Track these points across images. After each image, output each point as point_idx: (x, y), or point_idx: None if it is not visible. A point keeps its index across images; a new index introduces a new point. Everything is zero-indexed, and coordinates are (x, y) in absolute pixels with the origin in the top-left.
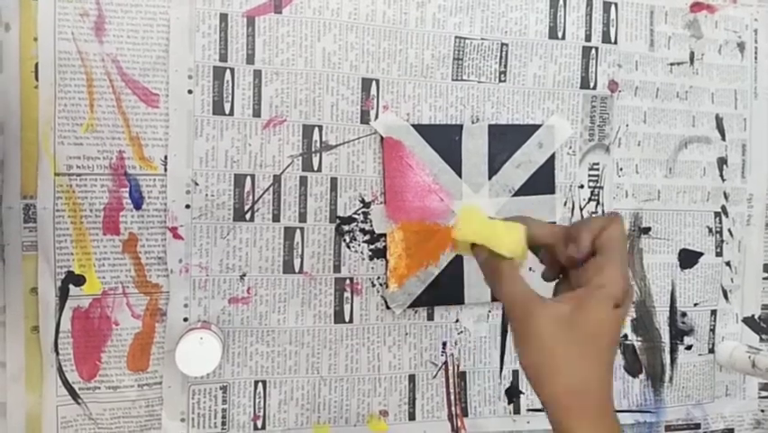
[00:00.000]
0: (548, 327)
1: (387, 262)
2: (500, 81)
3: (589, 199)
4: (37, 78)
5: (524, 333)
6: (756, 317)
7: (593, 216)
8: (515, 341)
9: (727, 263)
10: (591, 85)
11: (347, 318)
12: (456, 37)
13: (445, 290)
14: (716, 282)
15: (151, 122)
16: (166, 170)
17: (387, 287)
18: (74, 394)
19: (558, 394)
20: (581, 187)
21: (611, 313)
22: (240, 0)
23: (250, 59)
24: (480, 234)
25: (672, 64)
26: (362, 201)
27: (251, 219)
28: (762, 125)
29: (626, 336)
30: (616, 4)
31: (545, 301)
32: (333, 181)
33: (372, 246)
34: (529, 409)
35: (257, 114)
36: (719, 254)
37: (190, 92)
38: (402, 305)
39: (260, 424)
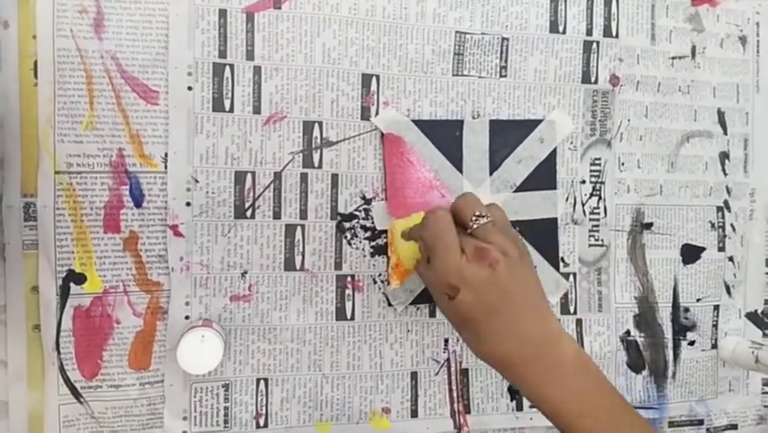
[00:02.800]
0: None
1: (388, 258)
2: (501, 76)
3: (591, 195)
4: (36, 76)
5: None
6: (759, 312)
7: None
8: None
9: (730, 258)
10: (593, 79)
11: (349, 316)
12: (456, 32)
13: None
14: (718, 278)
15: (151, 119)
16: (166, 167)
17: (388, 284)
18: (76, 393)
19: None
20: (583, 182)
21: (449, 306)
22: None
23: (249, 55)
24: (397, 253)
25: (673, 58)
26: (363, 198)
27: (252, 216)
28: (764, 119)
29: (628, 333)
30: None
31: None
32: (334, 178)
33: (374, 243)
34: (532, 406)
35: (257, 110)
36: (722, 249)
37: (190, 89)
38: (404, 302)
39: (262, 422)
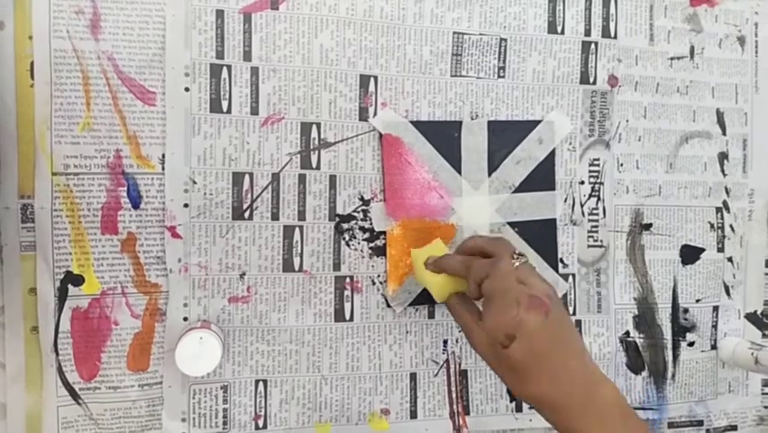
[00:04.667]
0: (482, 349)
1: (387, 259)
2: (499, 77)
3: (590, 195)
4: (33, 77)
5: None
6: (759, 312)
7: (476, 260)
8: None
9: (729, 259)
10: (591, 80)
11: (347, 317)
12: (455, 32)
13: None
14: (718, 278)
15: (148, 120)
16: (164, 168)
17: (387, 285)
18: (74, 394)
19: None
20: (582, 183)
21: (498, 352)
22: None
23: (247, 56)
24: (422, 282)
25: (672, 58)
26: (362, 199)
27: (250, 218)
28: (763, 120)
29: (628, 334)
30: None
31: (477, 325)
32: (332, 179)
33: (372, 244)
34: (531, 407)
35: (254, 111)
36: (721, 250)
37: (187, 90)
38: (403, 303)
39: (261, 423)
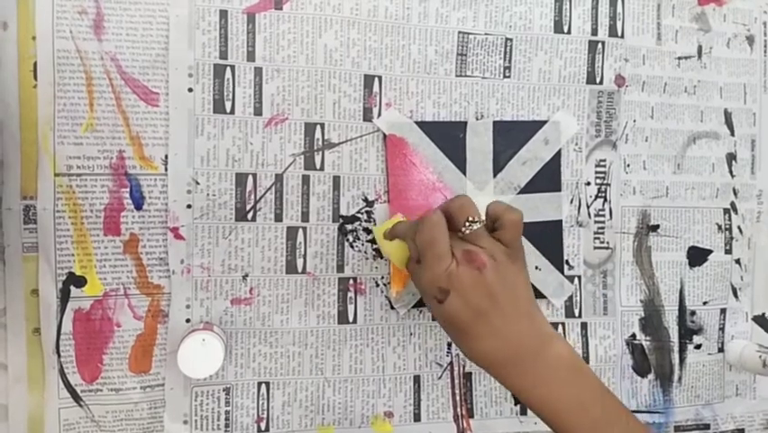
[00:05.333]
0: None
1: (390, 262)
2: (505, 77)
3: (596, 196)
4: (36, 78)
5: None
6: (767, 315)
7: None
8: None
9: (737, 261)
10: (598, 80)
11: (351, 319)
12: (460, 32)
13: None
14: (725, 280)
15: (152, 121)
16: (167, 169)
17: (391, 287)
18: (76, 396)
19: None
20: (588, 184)
21: (439, 310)
22: None
23: (250, 56)
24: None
25: (679, 58)
26: (365, 200)
27: (253, 219)
28: None
29: (634, 336)
30: None
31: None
32: (336, 180)
33: (376, 245)
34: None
35: (258, 112)
36: (729, 252)
37: (190, 90)
38: (406, 305)
39: (263, 426)
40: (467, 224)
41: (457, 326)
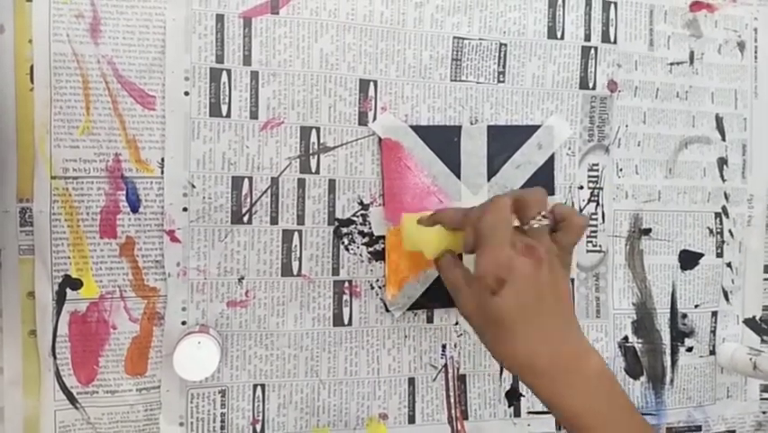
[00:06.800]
0: (468, 308)
1: (386, 264)
2: (499, 82)
3: (589, 200)
4: (32, 81)
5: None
6: (757, 318)
7: (477, 205)
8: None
9: (728, 264)
10: (591, 85)
11: (346, 321)
12: (454, 37)
13: (445, 293)
14: (716, 284)
15: (148, 124)
16: (163, 172)
17: (386, 290)
18: (72, 399)
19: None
20: (581, 188)
21: (486, 302)
22: (236, 1)
23: (246, 60)
24: (414, 243)
25: (671, 64)
26: (361, 203)
27: (249, 222)
28: (762, 125)
29: (626, 339)
30: (615, 4)
31: (466, 284)
32: (332, 183)
33: (371, 249)
34: (530, 412)
35: (254, 115)
36: (720, 255)
37: (187, 94)
38: (401, 308)
39: (259, 428)
40: (538, 217)
41: (501, 322)
